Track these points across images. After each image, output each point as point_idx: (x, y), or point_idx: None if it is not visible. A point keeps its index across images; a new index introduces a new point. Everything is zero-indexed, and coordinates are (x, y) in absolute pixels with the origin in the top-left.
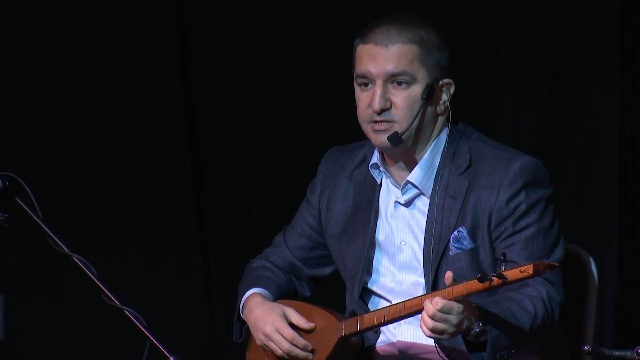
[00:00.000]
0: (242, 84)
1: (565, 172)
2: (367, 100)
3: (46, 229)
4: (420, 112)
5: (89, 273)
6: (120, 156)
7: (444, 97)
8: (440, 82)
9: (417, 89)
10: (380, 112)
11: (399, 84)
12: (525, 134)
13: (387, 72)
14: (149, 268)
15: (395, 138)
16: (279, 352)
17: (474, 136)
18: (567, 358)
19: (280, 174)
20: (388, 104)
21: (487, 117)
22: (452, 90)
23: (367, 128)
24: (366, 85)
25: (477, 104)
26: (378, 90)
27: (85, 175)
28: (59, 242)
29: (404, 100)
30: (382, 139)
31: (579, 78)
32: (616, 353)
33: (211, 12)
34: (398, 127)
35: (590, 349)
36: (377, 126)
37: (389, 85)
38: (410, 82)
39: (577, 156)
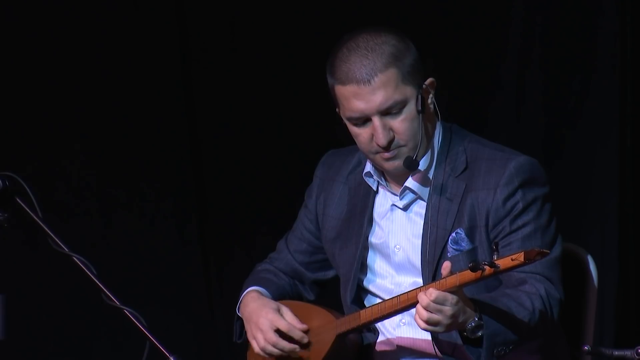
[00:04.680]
0: (243, 84)
1: (565, 171)
2: (367, 136)
3: (46, 229)
4: (422, 125)
5: (89, 273)
6: (119, 156)
7: (430, 96)
8: (424, 86)
9: (411, 107)
10: (387, 145)
11: (395, 112)
12: (525, 133)
13: (380, 107)
14: (149, 268)
15: (411, 163)
16: (262, 343)
17: (467, 137)
18: (567, 358)
19: (282, 174)
20: (391, 134)
21: (486, 116)
22: (434, 85)
23: (375, 157)
24: (363, 122)
25: (475, 103)
26: (378, 127)
27: (85, 175)
28: (59, 242)
29: (403, 124)
30: (395, 164)
31: (578, 77)
32: (616, 353)
33: (212, 10)
34: (407, 150)
35: (590, 349)
36: (386, 154)
37: (386, 116)
38: (403, 105)
39: (577, 155)
